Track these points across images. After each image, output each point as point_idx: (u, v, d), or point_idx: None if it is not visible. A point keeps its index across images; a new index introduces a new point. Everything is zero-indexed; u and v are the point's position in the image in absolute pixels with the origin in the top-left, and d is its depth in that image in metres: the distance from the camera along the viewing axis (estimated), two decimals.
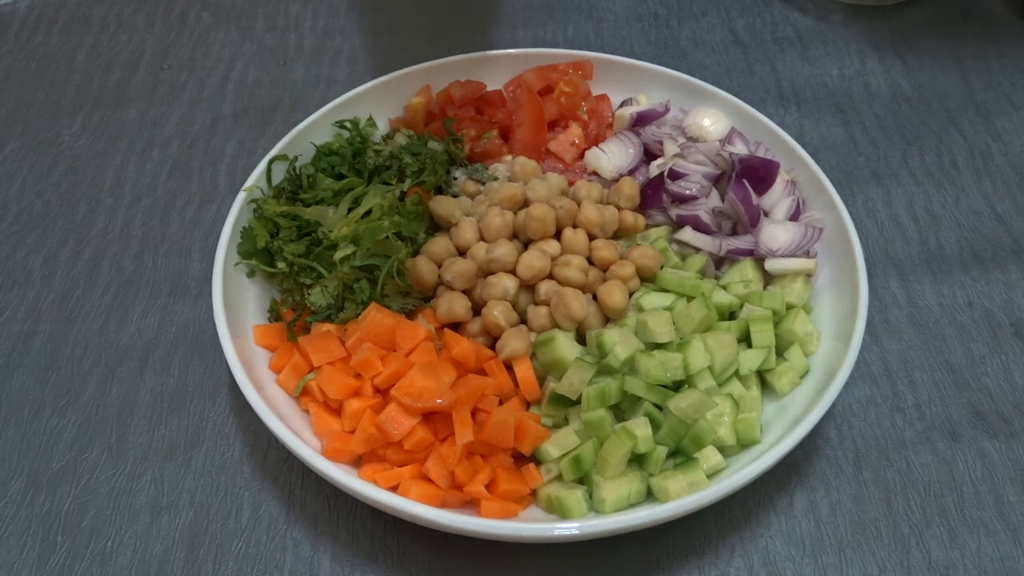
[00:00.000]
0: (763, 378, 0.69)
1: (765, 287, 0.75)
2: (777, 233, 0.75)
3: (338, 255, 0.71)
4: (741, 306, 0.71)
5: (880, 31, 1.09)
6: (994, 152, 0.94)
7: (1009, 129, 0.96)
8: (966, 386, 0.74)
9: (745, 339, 0.69)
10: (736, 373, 0.67)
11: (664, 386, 0.64)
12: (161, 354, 0.76)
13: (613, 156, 0.83)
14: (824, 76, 1.03)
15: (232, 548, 0.64)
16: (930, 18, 1.10)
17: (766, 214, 0.79)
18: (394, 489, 0.61)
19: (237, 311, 0.70)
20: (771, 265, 0.74)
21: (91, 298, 0.80)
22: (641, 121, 0.86)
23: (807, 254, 0.75)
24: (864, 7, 1.12)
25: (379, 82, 0.87)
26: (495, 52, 0.92)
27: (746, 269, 0.75)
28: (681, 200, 0.78)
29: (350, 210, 0.75)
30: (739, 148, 0.82)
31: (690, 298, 0.70)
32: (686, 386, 0.65)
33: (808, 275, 0.74)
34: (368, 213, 0.74)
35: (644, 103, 0.89)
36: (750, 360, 0.67)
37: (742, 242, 0.76)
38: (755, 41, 1.07)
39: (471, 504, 0.62)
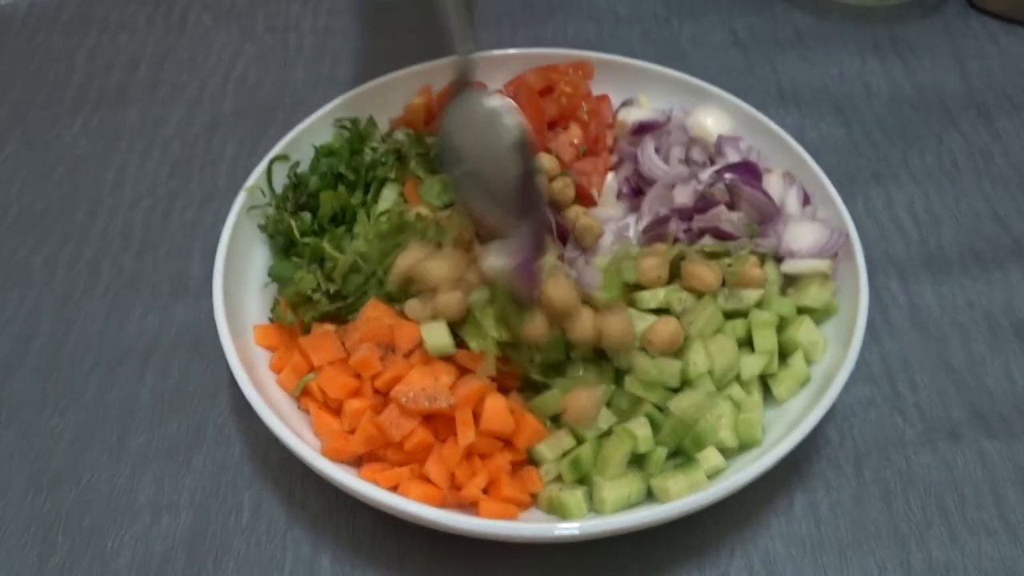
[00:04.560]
0: (765, 381, 0.69)
1: (785, 289, 0.74)
2: (800, 232, 0.74)
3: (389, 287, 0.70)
4: (757, 304, 0.71)
5: (880, 31, 1.09)
6: (994, 153, 0.94)
7: (1010, 130, 0.96)
8: (966, 387, 0.74)
9: (749, 343, 0.69)
10: (737, 378, 0.67)
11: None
12: (162, 354, 0.76)
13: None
14: (824, 76, 1.03)
15: (232, 548, 0.64)
16: (930, 18, 1.10)
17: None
18: (394, 489, 0.61)
19: (238, 311, 0.70)
20: (787, 267, 0.74)
21: (92, 298, 0.80)
22: (642, 130, 0.86)
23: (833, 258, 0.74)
24: (864, 7, 1.12)
25: (379, 82, 0.88)
26: (495, 52, 0.92)
27: (768, 271, 0.74)
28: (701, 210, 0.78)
29: (334, 218, 0.76)
30: (732, 156, 0.82)
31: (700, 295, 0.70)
32: (687, 387, 0.65)
33: (824, 276, 0.73)
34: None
35: (645, 104, 0.89)
36: (751, 365, 0.67)
37: (763, 243, 0.75)
38: (755, 41, 1.07)
39: (471, 504, 0.62)
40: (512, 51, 0.92)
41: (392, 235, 0.72)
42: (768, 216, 0.76)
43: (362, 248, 0.71)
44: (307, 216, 0.76)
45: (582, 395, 0.62)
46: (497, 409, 0.62)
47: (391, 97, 0.88)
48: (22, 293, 0.81)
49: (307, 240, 0.74)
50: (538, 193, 0.65)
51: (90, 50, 1.07)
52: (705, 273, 0.69)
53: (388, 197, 0.77)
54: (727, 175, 0.78)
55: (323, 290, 0.70)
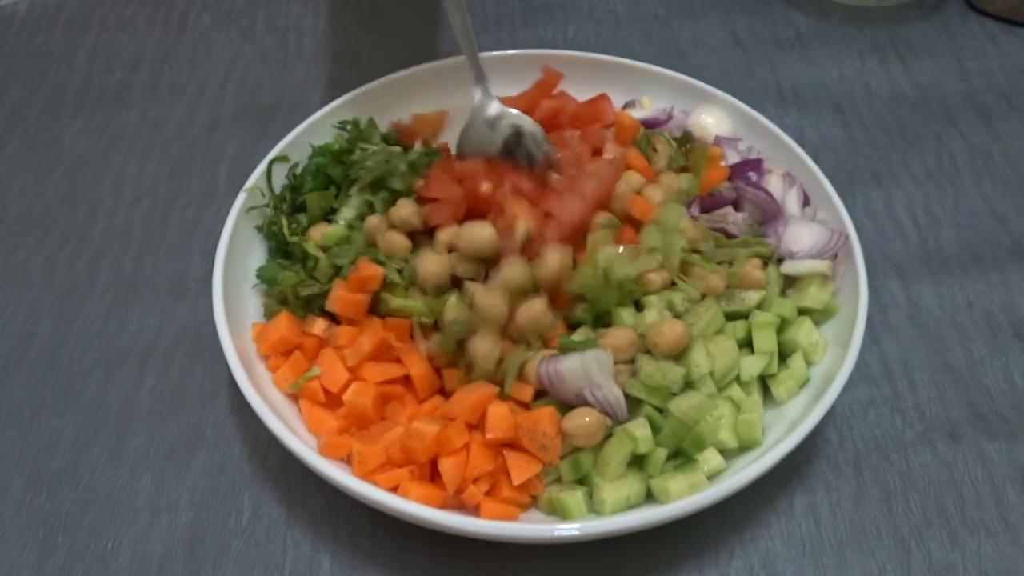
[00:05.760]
0: (765, 382, 0.69)
1: (784, 290, 0.74)
2: (800, 233, 0.74)
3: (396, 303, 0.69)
4: (758, 306, 0.71)
5: (880, 32, 1.09)
6: (994, 153, 0.94)
7: (1009, 130, 0.96)
8: (966, 387, 0.74)
9: (749, 344, 0.69)
10: (737, 379, 0.67)
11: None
12: (161, 355, 0.76)
13: None
14: (824, 77, 1.03)
15: (232, 549, 0.64)
16: (930, 19, 1.11)
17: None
18: (394, 490, 0.61)
19: (237, 312, 0.70)
20: (786, 268, 0.74)
21: (91, 299, 0.80)
22: (644, 128, 0.86)
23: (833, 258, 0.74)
24: (864, 8, 1.12)
25: (380, 83, 0.88)
26: (495, 53, 0.92)
27: (768, 272, 0.74)
28: (709, 209, 0.78)
29: (328, 218, 0.77)
30: (731, 157, 0.82)
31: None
32: (687, 388, 0.65)
33: (824, 277, 0.73)
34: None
35: (647, 105, 0.89)
36: (751, 366, 0.67)
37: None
38: (755, 42, 1.07)
39: (472, 505, 0.62)
40: (512, 52, 0.92)
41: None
42: (771, 216, 0.76)
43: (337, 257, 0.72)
44: (303, 217, 0.76)
45: (584, 414, 0.62)
46: (502, 416, 0.62)
47: (391, 98, 0.88)
48: (22, 293, 0.81)
49: (295, 239, 0.74)
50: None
51: (90, 51, 1.07)
52: (711, 277, 0.69)
53: (353, 205, 0.76)
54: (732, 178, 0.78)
55: (309, 285, 0.71)
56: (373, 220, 0.73)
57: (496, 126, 0.77)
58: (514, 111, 0.78)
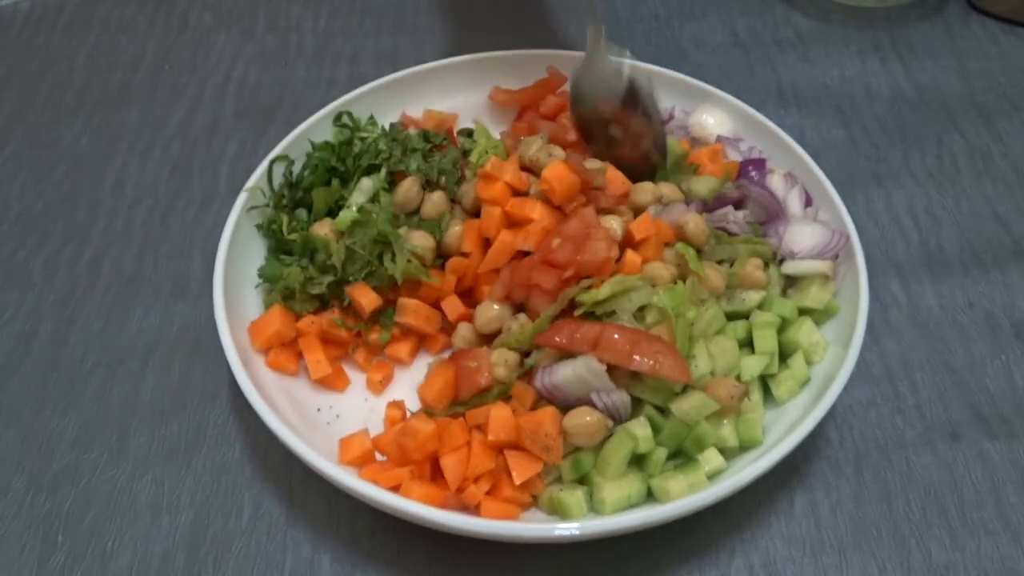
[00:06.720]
0: (765, 382, 0.69)
1: (785, 290, 0.74)
2: (802, 234, 0.74)
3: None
4: (759, 306, 0.71)
5: (881, 32, 1.09)
6: (995, 153, 0.94)
7: (1010, 130, 0.96)
8: (966, 387, 0.74)
9: (750, 344, 0.69)
10: (738, 378, 0.67)
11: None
12: (162, 355, 0.76)
13: None
14: (825, 77, 1.03)
15: (232, 548, 0.64)
16: (931, 19, 1.11)
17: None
18: (395, 490, 0.61)
19: (238, 312, 0.70)
20: (787, 268, 0.74)
21: (92, 299, 0.80)
22: None
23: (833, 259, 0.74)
24: (865, 8, 1.12)
25: (380, 83, 0.88)
26: (496, 53, 0.92)
27: (769, 272, 0.74)
28: (711, 209, 0.78)
29: (331, 213, 0.76)
30: (732, 157, 0.83)
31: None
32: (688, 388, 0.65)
33: (825, 277, 0.73)
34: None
35: None
36: (752, 366, 0.67)
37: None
38: (756, 42, 1.07)
39: (472, 505, 0.62)
40: (513, 52, 0.92)
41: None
42: (772, 215, 0.76)
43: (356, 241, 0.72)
44: (303, 213, 0.76)
45: (585, 413, 0.62)
46: (503, 419, 0.62)
47: (391, 98, 0.88)
48: (22, 293, 0.81)
49: (293, 236, 0.74)
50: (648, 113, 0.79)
51: (91, 51, 1.07)
52: (713, 276, 0.69)
53: (365, 188, 0.77)
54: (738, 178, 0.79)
55: (317, 282, 0.71)
56: (412, 186, 0.76)
57: (615, 76, 0.78)
58: (627, 62, 0.79)
